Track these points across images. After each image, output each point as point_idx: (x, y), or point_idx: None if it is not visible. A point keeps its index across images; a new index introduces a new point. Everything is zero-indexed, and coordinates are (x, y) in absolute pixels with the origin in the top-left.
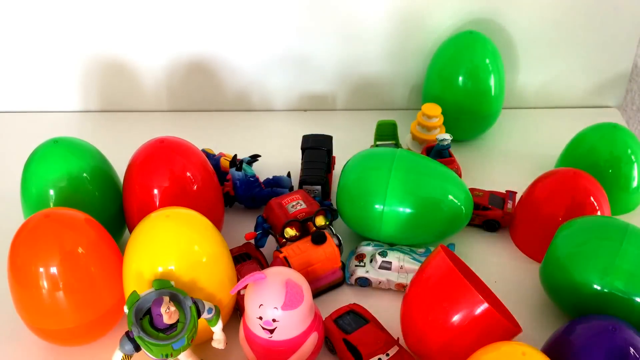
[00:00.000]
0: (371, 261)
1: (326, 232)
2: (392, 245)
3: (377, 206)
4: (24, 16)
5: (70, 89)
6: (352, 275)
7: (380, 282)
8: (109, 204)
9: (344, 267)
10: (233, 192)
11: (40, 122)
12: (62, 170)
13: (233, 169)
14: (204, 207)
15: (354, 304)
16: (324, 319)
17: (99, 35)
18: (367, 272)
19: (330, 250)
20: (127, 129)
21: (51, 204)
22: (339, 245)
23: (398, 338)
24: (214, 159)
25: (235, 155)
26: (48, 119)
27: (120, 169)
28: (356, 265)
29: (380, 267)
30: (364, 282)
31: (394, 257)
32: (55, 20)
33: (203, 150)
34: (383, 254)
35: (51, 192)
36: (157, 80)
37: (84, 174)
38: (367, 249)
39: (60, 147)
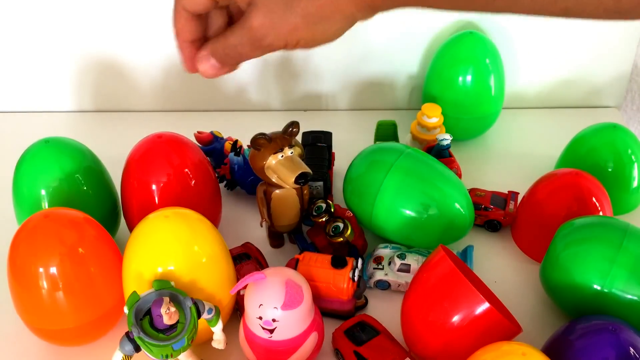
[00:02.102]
0: (389, 264)
1: (351, 262)
2: (409, 248)
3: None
4: (15, 14)
5: (64, 89)
6: (370, 278)
7: (399, 285)
8: (102, 203)
9: (360, 308)
10: (230, 175)
11: (33, 122)
12: (54, 170)
13: (232, 154)
14: (202, 202)
15: (364, 314)
16: (333, 331)
17: (92, 33)
18: (386, 274)
19: (340, 280)
20: (123, 129)
21: (43, 204)
22: (356, 282)
23: (410, 349)
24: (220, 143)
25: (237, 141)
26: (41, 120)
27: (116, 169)
28: (374, 268)
29: (399, 270)
30: (383, 285)
31: (412, 259)
32: (47, 18)
33: (211, 133)
34: (401, 257)
35: (43, 192)
36: (153, 80)
37: (76, 174)
38: (385, 252)
39: (51, 147)
